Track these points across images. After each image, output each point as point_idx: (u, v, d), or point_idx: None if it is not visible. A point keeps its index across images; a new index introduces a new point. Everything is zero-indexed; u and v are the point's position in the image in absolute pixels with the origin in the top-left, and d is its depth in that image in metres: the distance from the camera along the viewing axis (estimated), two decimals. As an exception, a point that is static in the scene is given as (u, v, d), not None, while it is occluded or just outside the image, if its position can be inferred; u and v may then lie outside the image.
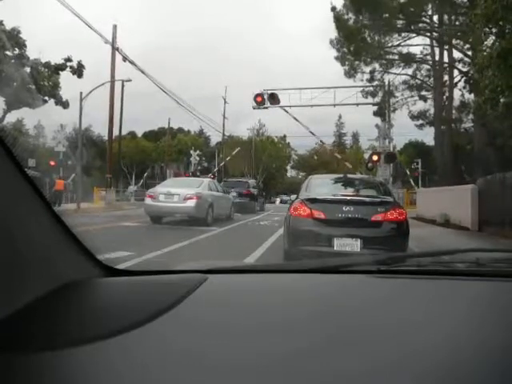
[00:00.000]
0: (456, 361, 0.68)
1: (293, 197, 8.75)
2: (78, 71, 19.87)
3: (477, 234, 11.77)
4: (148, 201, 12.27)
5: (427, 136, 38.39)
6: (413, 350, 0.72)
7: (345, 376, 0.64)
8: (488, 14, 8.82)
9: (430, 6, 19.42)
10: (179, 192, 11.84)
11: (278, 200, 50.11)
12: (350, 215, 5.72)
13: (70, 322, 0.81)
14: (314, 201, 5.92)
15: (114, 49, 23.32)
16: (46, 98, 19.14)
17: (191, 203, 11.65)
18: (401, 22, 19.21)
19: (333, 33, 21.54)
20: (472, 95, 19.61)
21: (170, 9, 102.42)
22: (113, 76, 24.17)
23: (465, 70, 20.31)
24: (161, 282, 1.07)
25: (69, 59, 19.87)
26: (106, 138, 28.29)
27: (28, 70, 18.70)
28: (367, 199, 6.14)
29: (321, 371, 0.65)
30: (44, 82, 18.80)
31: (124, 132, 40.62)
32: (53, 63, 19.41)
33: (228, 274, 1.23)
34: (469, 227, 12.59)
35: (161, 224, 12.23)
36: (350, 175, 8.71)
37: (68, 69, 19.68)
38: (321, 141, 33.29)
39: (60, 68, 19.40)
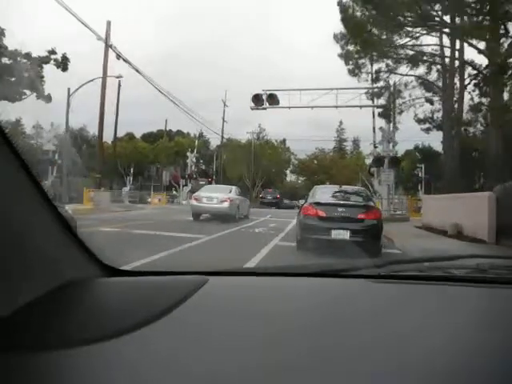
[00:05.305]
0: (455, 366, 0.67)
1: (301, 201, 11.60)
2: (63, 64, 18.67)
3: (495, 247, 10.57)
4: (194, 202, 15.84)
5: (433, 141, 37.16)
6: (412, 355, 0.71)
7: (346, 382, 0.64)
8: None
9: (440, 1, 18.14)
10: (217, 196, 15.42)
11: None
12: (342, 214, 8.12)
13: (68, 322, 0.80)
14: (318, 204, 8.37)
15: (108, 46, 23.33)
16: (28, 91, 18.05)
17: (226, 204, 15.24)
18: (410, 18, 17.97)
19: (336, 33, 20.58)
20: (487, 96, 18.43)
21: (177, 13, 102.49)
22: (105, 72, 24.14)
23: (479, 69, 18.97)
24: (161, 284, 1.06)
25: (53, 51, 18.64)
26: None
27: (8, 61, 17.58)
28: (355, 203, 8.79)
29: (322, 374, 0.65)
30: (26, 74, 17.68)
31: (122, 133, 39.83)
32: (35, 55, 18.28)
33: (229, 276, 1.23)
34: (485, 240, 11.35)
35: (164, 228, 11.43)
36: (345, 186, 10.83)
37: (52, 62, 18.47)
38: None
39: (43, 61, 18.18)
